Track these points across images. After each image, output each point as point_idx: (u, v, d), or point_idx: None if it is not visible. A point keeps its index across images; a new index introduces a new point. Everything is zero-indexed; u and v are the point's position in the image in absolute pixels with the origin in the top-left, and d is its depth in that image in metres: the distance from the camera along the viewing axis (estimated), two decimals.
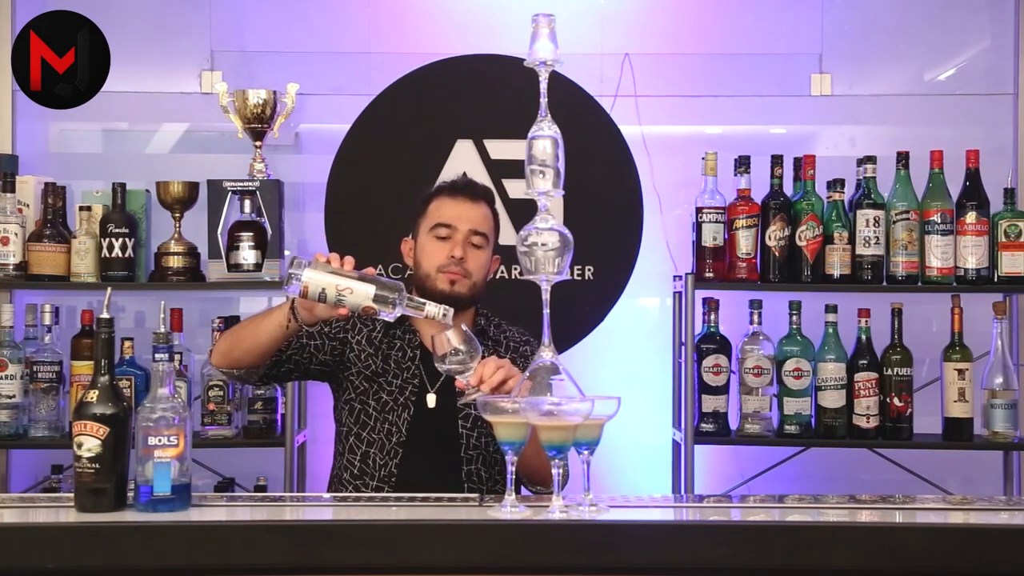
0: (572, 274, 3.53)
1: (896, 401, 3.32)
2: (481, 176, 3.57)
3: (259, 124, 3.40)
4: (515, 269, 3.51)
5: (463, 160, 3.60)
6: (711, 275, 3.35)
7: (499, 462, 2.57)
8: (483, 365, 2.20)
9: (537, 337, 2.11)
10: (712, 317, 3.40)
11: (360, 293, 2.14)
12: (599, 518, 1.92)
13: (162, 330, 2.12)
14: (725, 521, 2.11)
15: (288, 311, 2.38)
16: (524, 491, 2.58)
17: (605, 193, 3.57)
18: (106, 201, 3.37)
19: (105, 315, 2.02)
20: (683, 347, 3.41)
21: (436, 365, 2.21)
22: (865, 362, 3.33)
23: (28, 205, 3.39)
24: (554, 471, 1.94)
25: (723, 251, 3.36)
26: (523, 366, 2.46)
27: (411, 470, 2.57)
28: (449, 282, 2.61)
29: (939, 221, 3.30)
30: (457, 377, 2.21)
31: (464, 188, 2.71)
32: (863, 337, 3.35)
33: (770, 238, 3.33)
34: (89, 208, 3.35)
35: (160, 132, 3.92)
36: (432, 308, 2.17)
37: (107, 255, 3.31)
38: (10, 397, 3.28)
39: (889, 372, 3.32)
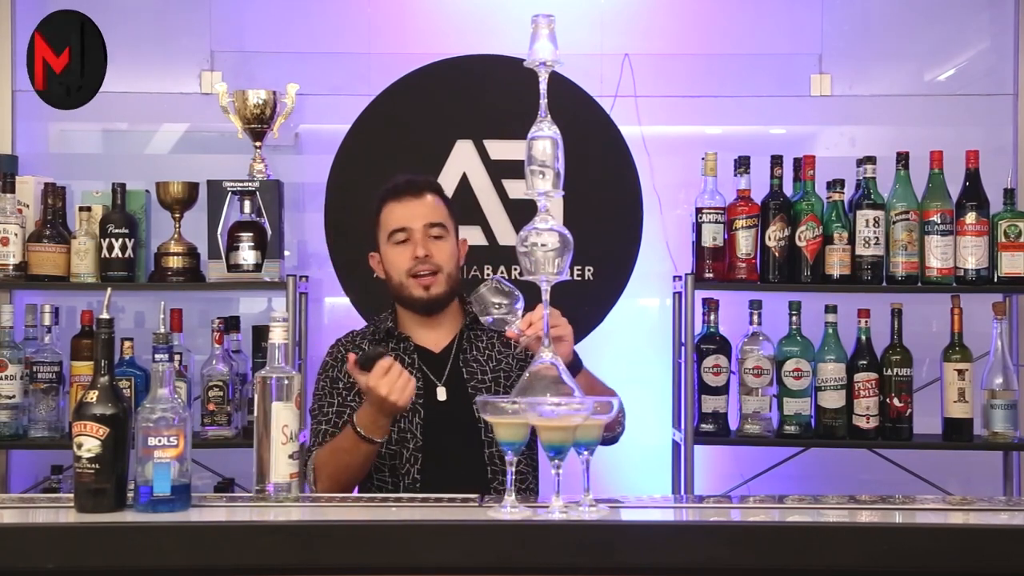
0: (572, 274, 3.53)
1: (896, 401, 3.32)
2: (481, 176, 3.59)
3: (259, 124, 3.40)
4: (515, 269, 3.51)
5: (463, 160, 3.60)
6: (711, 275, 3.35)
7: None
8: (532, 312, 2.21)
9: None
10: (712, 317, 3.40)
11: None
12: (599, 518, 1.92)
13: (162, 330, 2.12)
14: (725, 521, 2.11)
15: (363, 442, 2.39)
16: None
17: (605, 193, 3.57)
18: (106, 201, 3.38)
19: (105, 315, 2.02)
20: (683, 347, 3.41)
21: (481, 319, 2.23)
22: (865, 362, 3.33)
23: (28, 205, 3.39)
24: (553, 471, 1.94)
25: (723, 251, 3.36)
26: None
27: (434, 470, 2.56)
28: (423, 288, 2.61)
29: (939, 221, 3.30)
30: (505, 329, 2.23)
31: (407, 188, 2.69)
32: (863, 337, 3.35)
33: (770, 238, 3.33)
34: (89, 208, 3.35)
35: (160, 132, 3.92)
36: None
37: (107, 255, 3.31)
38: (10, 397, 3.27)
39: (889, 372, 3.32)
